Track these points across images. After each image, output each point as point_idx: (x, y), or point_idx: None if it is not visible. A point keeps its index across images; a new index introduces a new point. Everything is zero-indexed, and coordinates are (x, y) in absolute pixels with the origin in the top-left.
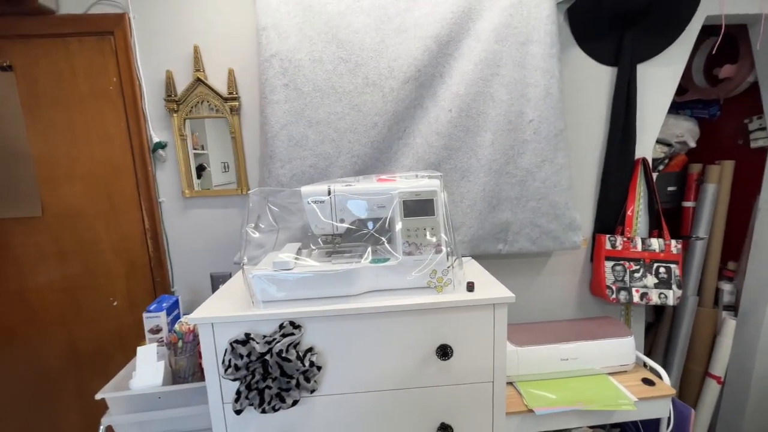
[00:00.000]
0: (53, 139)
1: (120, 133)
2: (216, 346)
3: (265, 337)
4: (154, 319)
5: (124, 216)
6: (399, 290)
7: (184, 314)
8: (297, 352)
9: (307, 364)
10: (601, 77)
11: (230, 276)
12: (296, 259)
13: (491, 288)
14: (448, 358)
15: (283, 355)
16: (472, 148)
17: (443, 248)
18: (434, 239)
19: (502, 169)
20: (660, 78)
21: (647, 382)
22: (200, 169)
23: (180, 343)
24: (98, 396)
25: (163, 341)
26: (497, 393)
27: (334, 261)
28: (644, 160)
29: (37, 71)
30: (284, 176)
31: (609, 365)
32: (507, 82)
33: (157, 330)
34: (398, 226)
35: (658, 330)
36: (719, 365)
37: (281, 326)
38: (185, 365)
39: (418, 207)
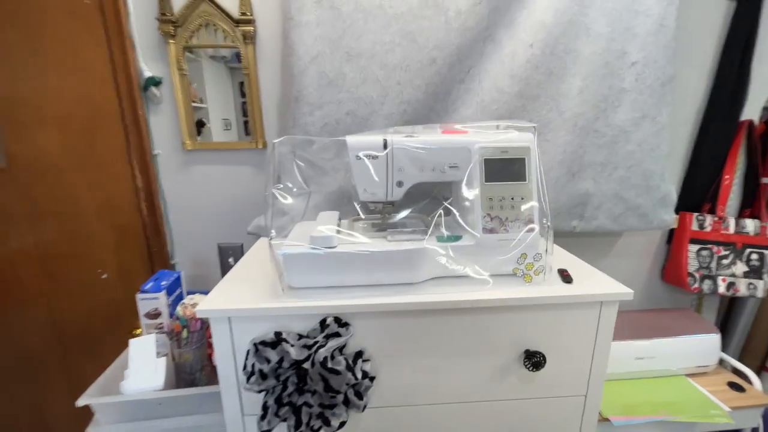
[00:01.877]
0: (15, 70)
1: (101, 64)
2: (234, 346)
3: (301, 337)
4: (150, 301)
5: (111, 170)
6: (473, 279)
7: (188, 293)
8: (346, 360)
9: (359, 375)
10: (713, 13)
11: (242, 248)
12: (339, 232)
13: (591, 279)
14: (540, 368)
15: (329, 365)
16: (554, 97)
17: (536, 225)
18: (526, 212)
19: (590, 125)
20: None
21: (735, 387)
22: (199, 126)
23: (185, 333)
24: (80, 402)
25: (163, 328)
26: (590, 409)
27: (390, 237)
28: (750, 124)
29: None
30: (313, 125)
31: (687, 365)
32: (609, 9)
33: (155, 314)
34: (477, 193)
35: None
36: None
37: (323, 324)
38: (191, 359)
39: (506, 169)
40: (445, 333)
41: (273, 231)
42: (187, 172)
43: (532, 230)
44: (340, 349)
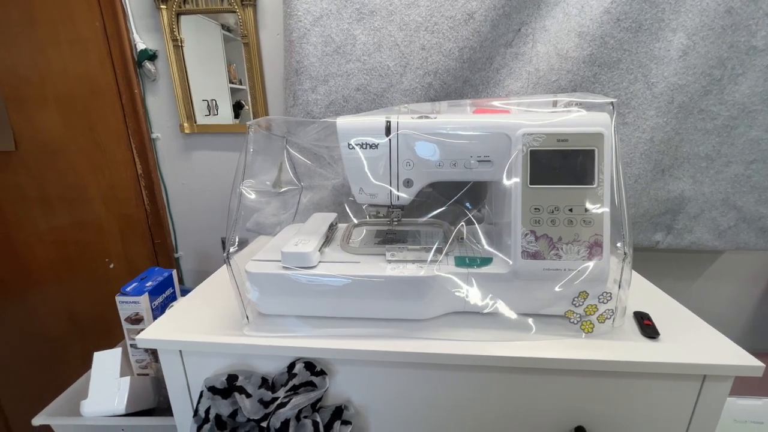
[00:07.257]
0: (15, 44)
1: (95, 37)
2: (189, 382)
3: (264, 382)
4: (131, 305)
5: (112, 155)
6: (506, 318)
7: (184, 293)
8: (318, 422)
9: None
10: None
11: (247, 245)
12: (323, 247)
13: (688, 332)
14: None
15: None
16: (641, 62)
17: (604, 250)
18: (590, 230)
19: (694, 103)
20: None
21: None
22: (237, 108)
23: None
24: (36, 421)
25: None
26: None
27: (391, 257)
28: None
29: None
30: (316, 104)
31: None
32: None
33: (136, 319)
34: (517, 199)
35: None
36: None
37: (291, 370)
38: None
39: (564, 165)
40: (460, 393)
41: (236, 239)
42: (187, 158)
43: (598, 257)
44: (314, 404)
